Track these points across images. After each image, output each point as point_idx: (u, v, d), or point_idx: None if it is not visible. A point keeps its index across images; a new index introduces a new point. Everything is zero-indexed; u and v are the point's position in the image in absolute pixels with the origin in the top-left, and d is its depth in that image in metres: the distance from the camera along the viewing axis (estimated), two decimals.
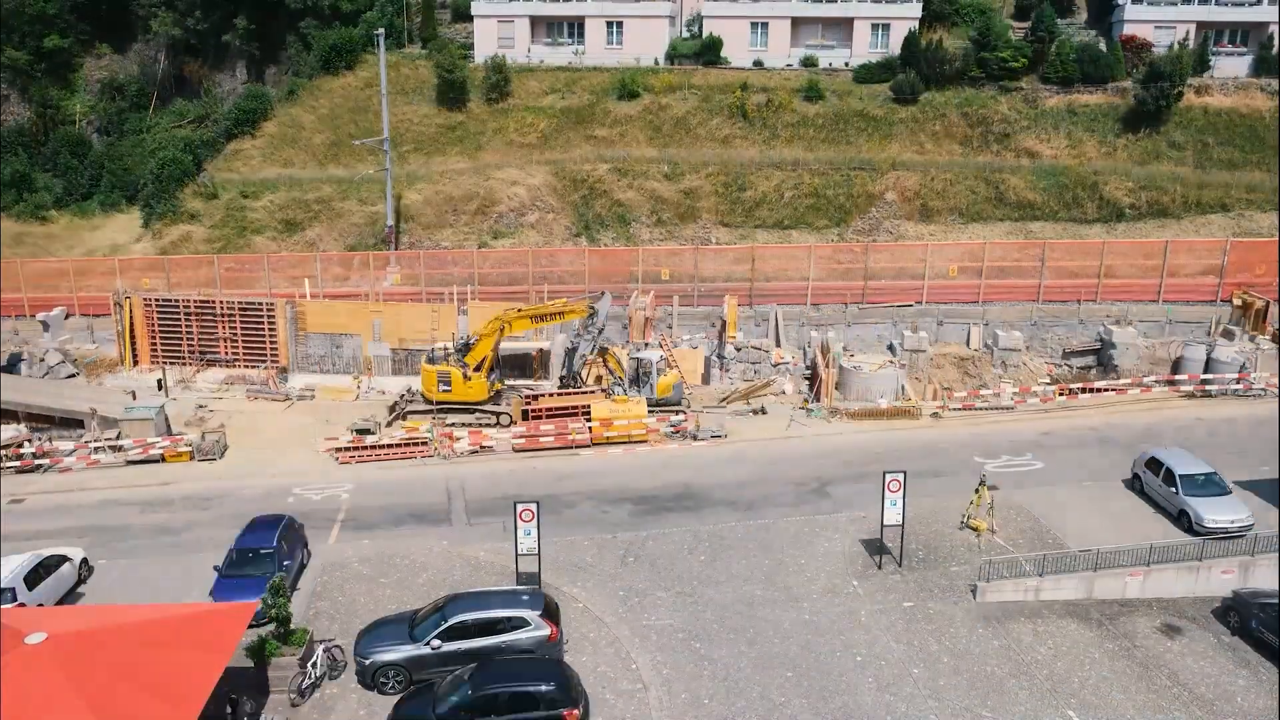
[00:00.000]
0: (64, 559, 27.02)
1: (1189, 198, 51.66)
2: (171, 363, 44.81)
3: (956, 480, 32.51)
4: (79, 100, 69.21)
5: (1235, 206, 51.49)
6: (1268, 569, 26.46)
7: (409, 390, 40.64)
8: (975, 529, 29.26)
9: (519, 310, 38.95)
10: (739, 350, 44.40)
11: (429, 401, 38.91)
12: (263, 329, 44.53)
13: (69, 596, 26.59)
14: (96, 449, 36.24)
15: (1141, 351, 44.42)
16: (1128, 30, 60.97)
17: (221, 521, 29.91)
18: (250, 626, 24.39)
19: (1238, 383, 40.47)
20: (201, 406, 40.89)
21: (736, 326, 45.26)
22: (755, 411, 39.66)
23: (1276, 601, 24.49)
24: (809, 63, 60.66)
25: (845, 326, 46.46)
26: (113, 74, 71.68)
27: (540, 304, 39.85)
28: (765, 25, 61.41)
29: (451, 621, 22.81)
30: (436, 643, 22.53)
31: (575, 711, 20.55)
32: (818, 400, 40.35)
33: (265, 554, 26.06)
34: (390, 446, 36.30)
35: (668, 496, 32.27)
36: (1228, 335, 44.26)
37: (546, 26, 63.57)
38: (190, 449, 36.18)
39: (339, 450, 36.12)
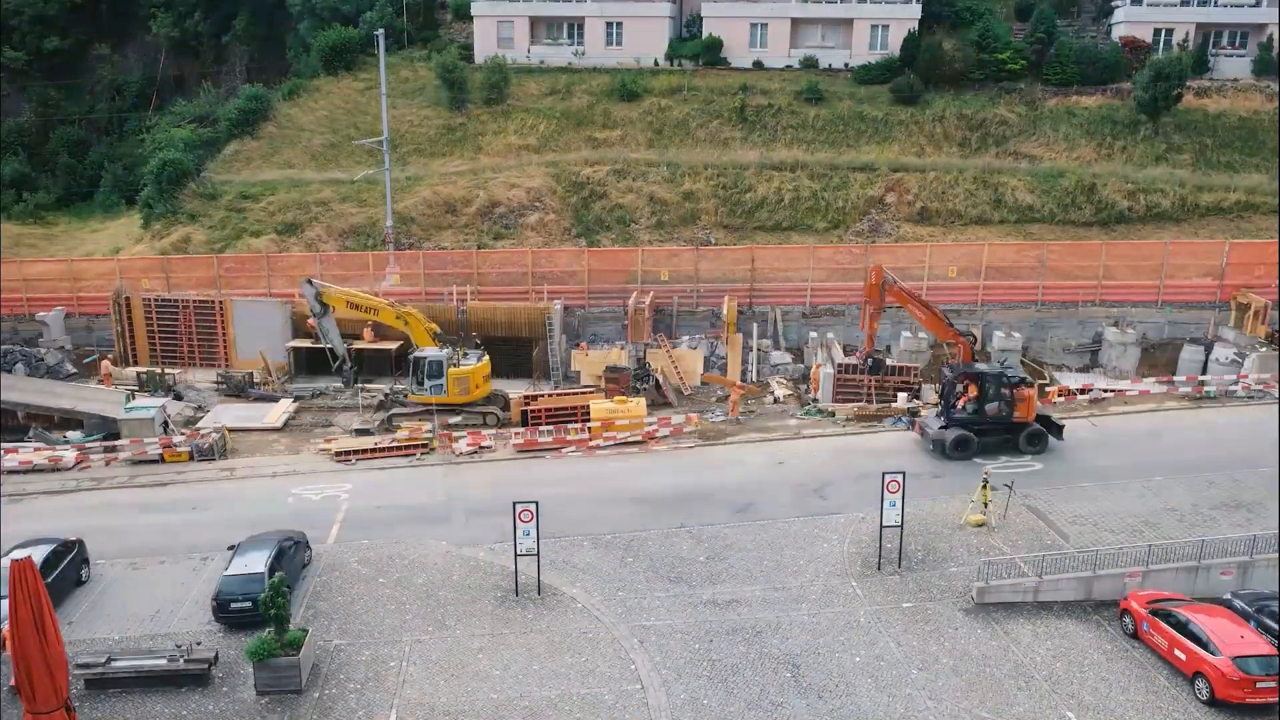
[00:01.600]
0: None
1: (1188, 200, 51.66)
2: (171, 363, 44.88)
3: (955, 481, 32.50)
4: (78, 101, 69.31)
5: (1234, 209, 51.49)
6: (1266, 570, 26.47)
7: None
8: (974, 523, 29.23)
9: None
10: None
11: None
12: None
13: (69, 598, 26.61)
14: (94, 449, 36.23)
15: (1140, 353, 44.47)
16: (1127, 31, 61.02)
17: (220, 522, 29.89)
18: (248, 626, 24.53)
19: (1236, 383, 40.51)
20: (200, 407, 40.88)
21: (735, 327, 45.19)
22: (754, 412, 39.67)
23: (1275, 604, 24.52)
24: (809, 63, 60.69)
25: (844, 327, 46.47)
26: (113, 75, 71.80)
27: None
28: (765, 26, 61.43)
29: None
30: None
31: None
32: (817, 400, 40.33)
33: None
34: (390, 449, 36.27)
35: (667, 497, 32.27)
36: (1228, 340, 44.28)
37: (546, 26, 63.60)
38: (190, 449, 36.17)
39: (338, 454, 36.13)
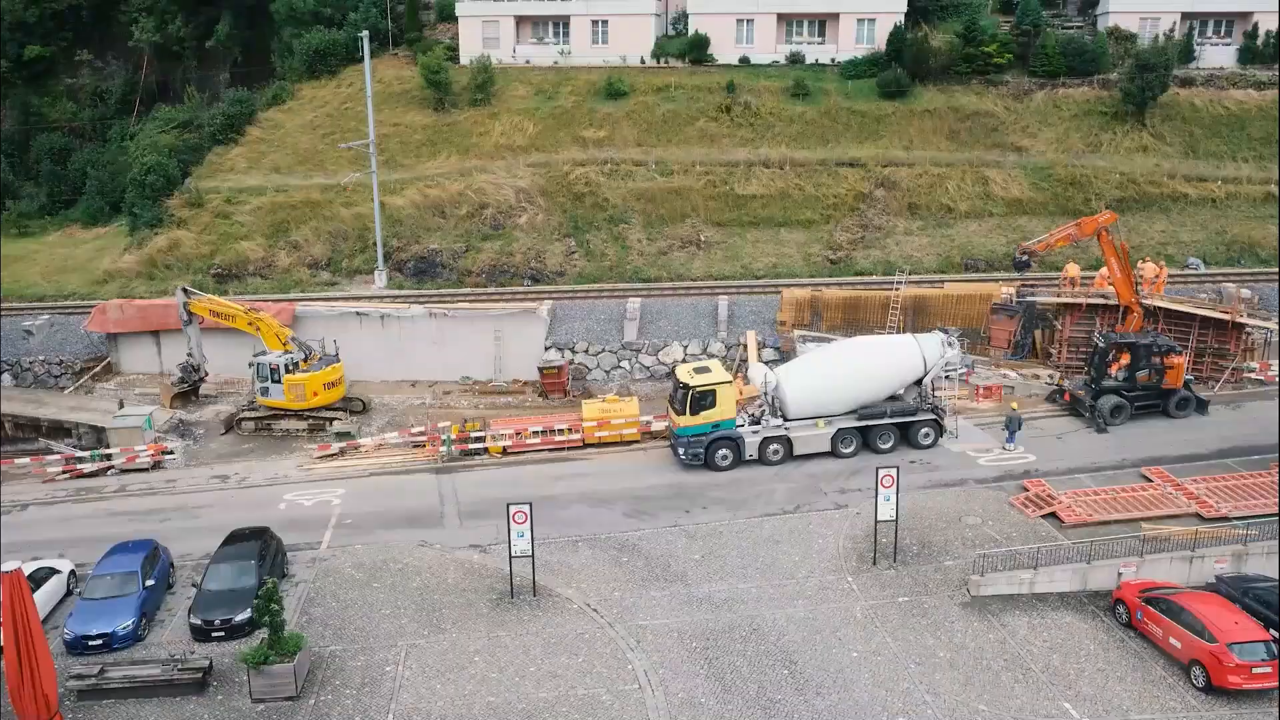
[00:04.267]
0: (53, 571, 26.79)
1: (1176, 190, 51.77)
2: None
3: (949, 475, 32.53)
4: (61, 108, 68.80)
5: (1222, 198, 51.62)
6: (1260, 559, 26.53)
7: None
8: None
9: None
10: (730, 348, 44.33)
11: None
12: None
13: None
14: (82, 458, 36.01)
15: None
16: (1113, 21, 61.13)
17: (212, 530, 29.65)
18: (243, 635, 24.42)
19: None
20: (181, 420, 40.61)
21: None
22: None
23: (1264, 586, 24.61)
24: (795, 59, 60.63)
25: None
26: (95, 81, 71.32)
27: None
28: (751, 22, 61.35)
29: None
30: None
31: None
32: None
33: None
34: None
35: (661, 496, 32.19)
36: None
37: (532, 26, 63.42)
38: (178, 456, 36.02)
39: (320, 459, 36.16)
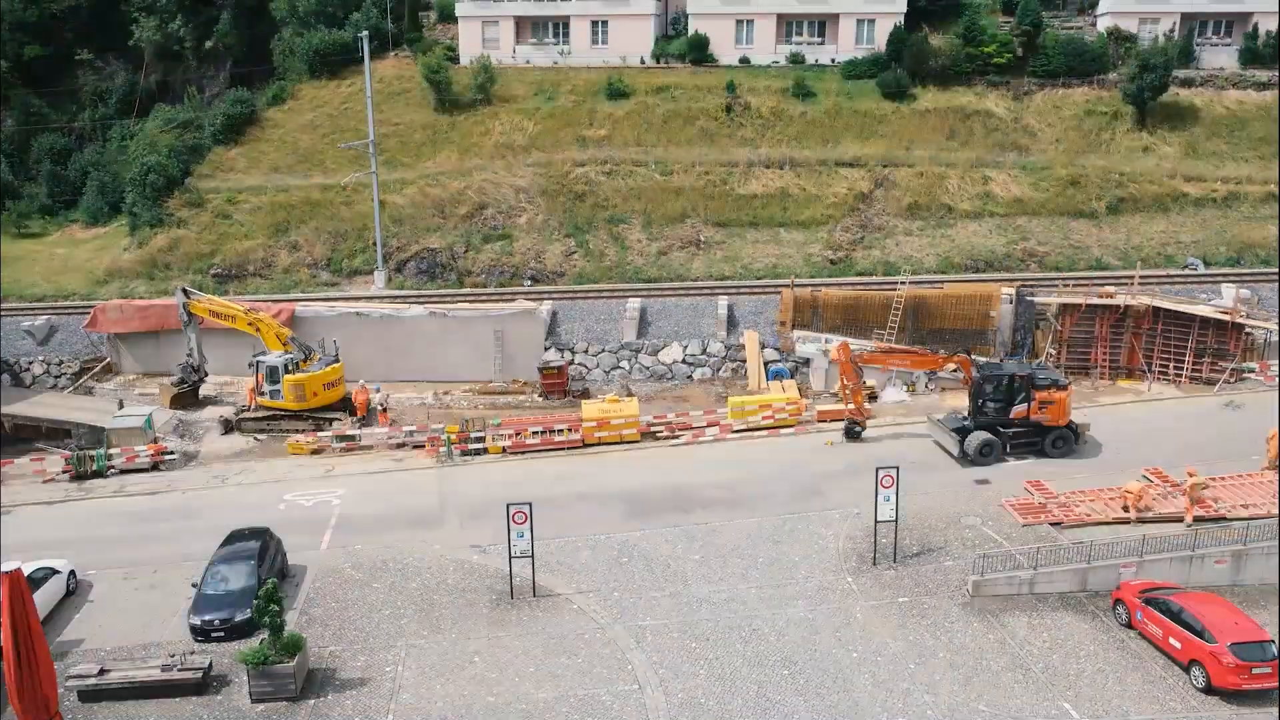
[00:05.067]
0: (52, 571, 26.80)
1: (1176, 190, 51.76)
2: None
3: (948, 476, 32.52)
4: (61, 108, 68.83)
5: (1224, 199, 51.60)
6: (1260, 559, 26.52)
7: None
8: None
9: None
10: (730, 349, 44.35)
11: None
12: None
13: (57, 610, 26.36)
14: (82, 459, 36.01)
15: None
16: (1112, 22, 61.14)
17: (211, 531, 29.63)
18: (242, 636, 24.42)
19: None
20: (181, 420, 40.60)
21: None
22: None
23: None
24: (796, 59, 60.65)
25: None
26: (96, 81, 71.34)
27: None
28: (751, 23, 61.38)
29: None
30: None
31: None
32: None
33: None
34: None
35: (661, 496, 32.18)
36: None
37: (531, 26, 63.46)
38: (178, 456, 36.05)
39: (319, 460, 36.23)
